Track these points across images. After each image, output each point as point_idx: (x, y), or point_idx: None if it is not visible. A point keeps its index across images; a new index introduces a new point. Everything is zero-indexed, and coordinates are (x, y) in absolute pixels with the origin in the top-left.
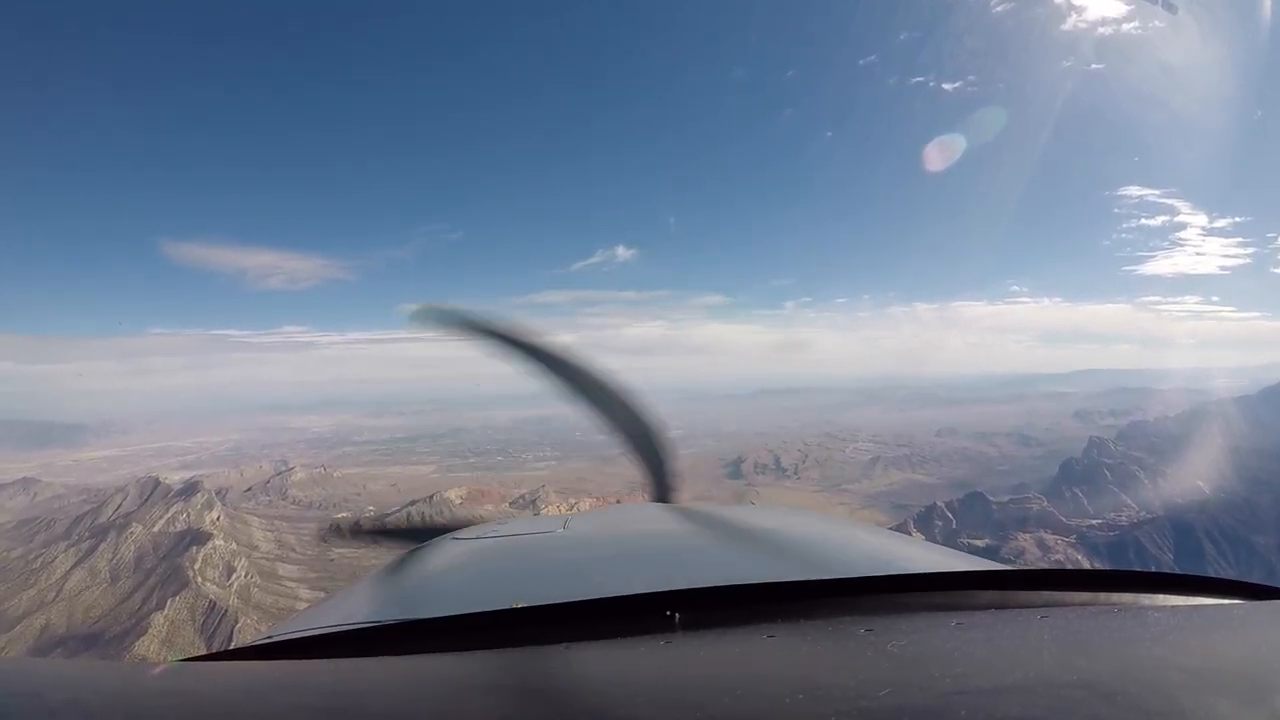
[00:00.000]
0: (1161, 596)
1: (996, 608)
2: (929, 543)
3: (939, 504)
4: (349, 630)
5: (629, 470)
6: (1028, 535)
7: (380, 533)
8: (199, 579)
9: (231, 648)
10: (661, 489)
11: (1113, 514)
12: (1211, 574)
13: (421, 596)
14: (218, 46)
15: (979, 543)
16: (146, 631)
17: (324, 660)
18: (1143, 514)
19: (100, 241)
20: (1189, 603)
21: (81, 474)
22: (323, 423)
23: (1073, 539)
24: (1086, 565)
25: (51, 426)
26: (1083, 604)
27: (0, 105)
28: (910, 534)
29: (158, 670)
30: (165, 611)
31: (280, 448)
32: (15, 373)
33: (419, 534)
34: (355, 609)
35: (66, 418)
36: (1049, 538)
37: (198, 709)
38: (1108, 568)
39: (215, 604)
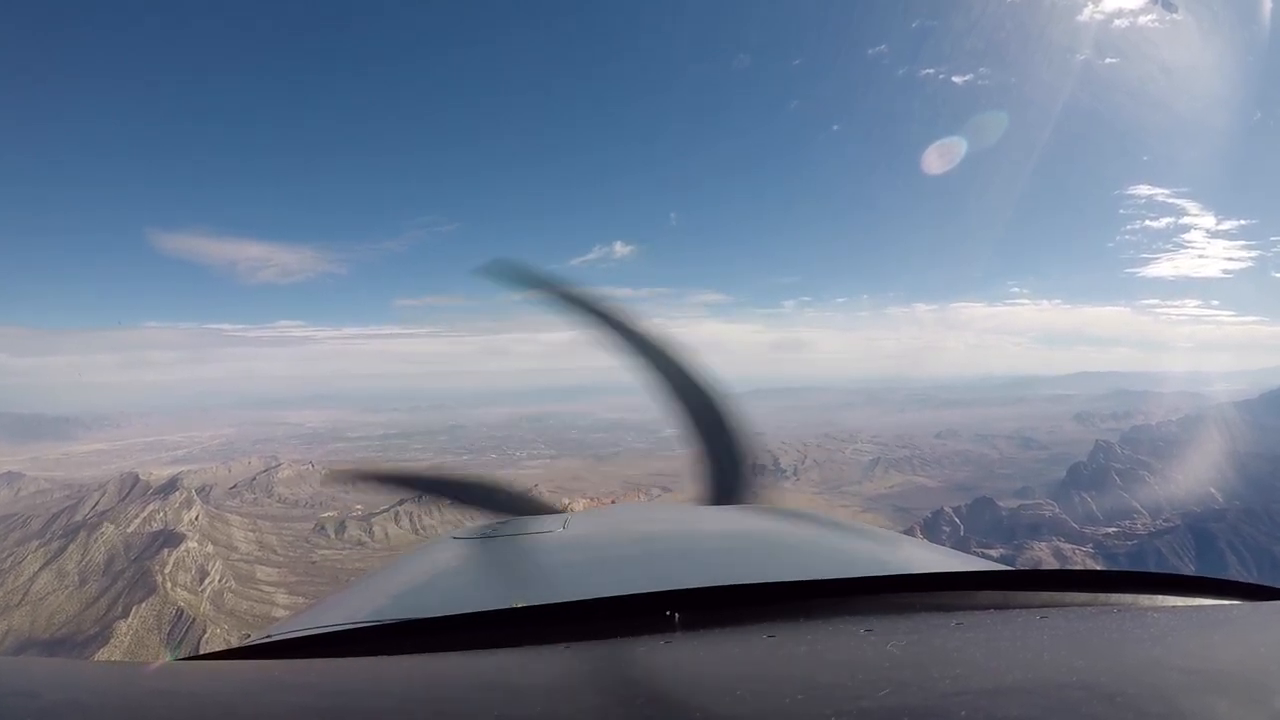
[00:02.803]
0: (1161, 597)
1: (996, 608)
2: (928, 543)
3: (946, 509)
4: (348, 630)
5: (624, 469)
6: (1043, 544)
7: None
8: (168, 584)
9: (231, 647)
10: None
11: (1126, 521)
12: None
13: (421, 596)
14: (214, 37)
15: (992, 552)
16: (109, 641)
17: (324, 660)
18: (1160, 522)
19: (94, 234)
20: (1188, 603)
21: (70, 468)
22: (317, 418)
23: (1090, 548)
24: None
25: (42, 419)
26: (1082, 604)
27: None
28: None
29: (156, 669)
30: (129, 619)
31: (273, 443)
32: (7, 365)
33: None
34: (355, 609)
35: (58, 410)
36: (1065, 547)
37: (196, 708)
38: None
39: (183, 611)
